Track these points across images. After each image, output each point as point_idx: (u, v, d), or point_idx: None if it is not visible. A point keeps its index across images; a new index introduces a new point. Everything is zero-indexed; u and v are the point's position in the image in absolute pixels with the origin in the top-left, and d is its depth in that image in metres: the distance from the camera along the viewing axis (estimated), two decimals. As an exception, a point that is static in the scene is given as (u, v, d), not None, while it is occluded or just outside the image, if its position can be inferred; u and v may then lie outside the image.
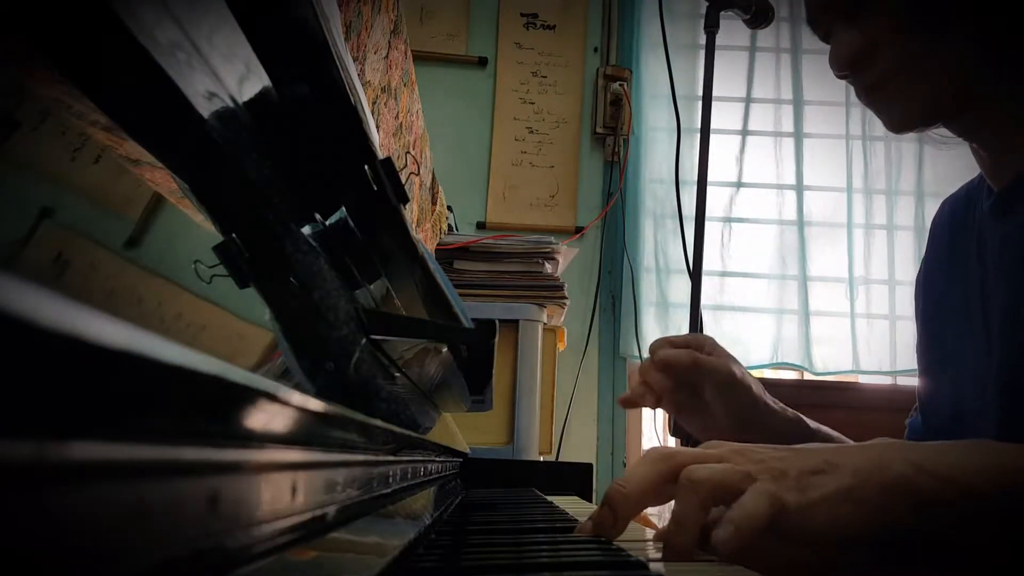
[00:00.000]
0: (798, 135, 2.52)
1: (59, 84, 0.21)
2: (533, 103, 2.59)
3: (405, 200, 0.48)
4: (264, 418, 0.21)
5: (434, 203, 1.50)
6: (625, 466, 2.42)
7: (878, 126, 2.52)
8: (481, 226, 2.50)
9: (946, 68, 0.65)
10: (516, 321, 1.62)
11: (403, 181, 0.56)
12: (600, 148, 2.59)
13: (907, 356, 2.41)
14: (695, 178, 1.70)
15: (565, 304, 1.72)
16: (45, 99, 0.20)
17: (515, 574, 0.41)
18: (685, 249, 1.75)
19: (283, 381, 0.26)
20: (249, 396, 0.19)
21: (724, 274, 2.48)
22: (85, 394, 0.12)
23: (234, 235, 0.28)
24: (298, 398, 0.23)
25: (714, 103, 1.71)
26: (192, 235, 0.28)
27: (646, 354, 2.58)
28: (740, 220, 2.52)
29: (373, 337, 0.48)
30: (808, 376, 2.45)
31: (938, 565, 0.44)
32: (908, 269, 2.46)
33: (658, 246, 2.46)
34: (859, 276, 2.47)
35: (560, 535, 0.54)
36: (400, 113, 1.17)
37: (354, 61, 0.80)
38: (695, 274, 1.65)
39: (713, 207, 2.43)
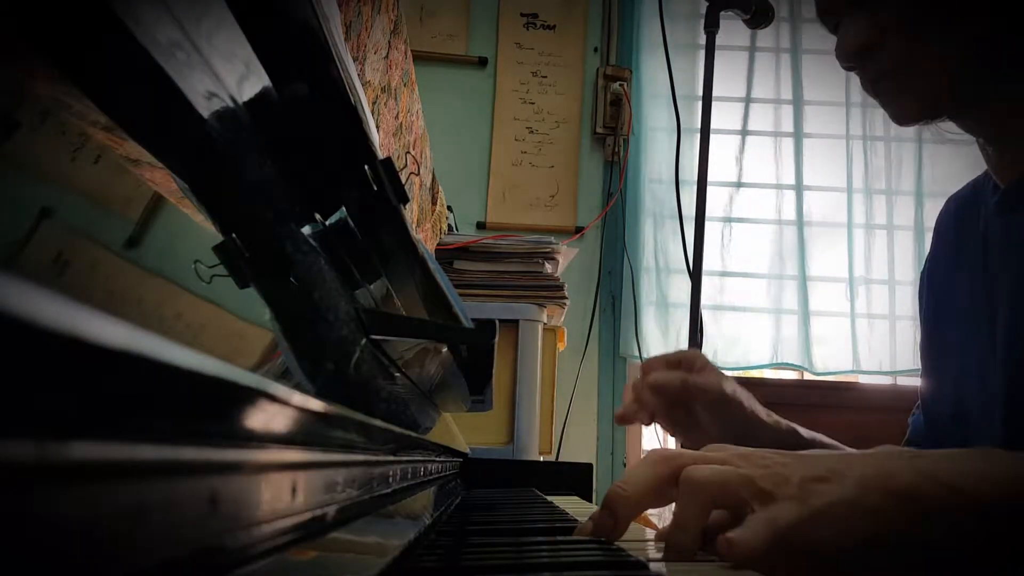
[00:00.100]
0: (798, 135, 2.52)
1: (59, 84, 0.21)
2: (533, 103, 2.59)
3: (405, 200, 0.48)
4: (264, 418, 0.21)
5: (434, 203, 1.50)
6: (625, 466, 2.42)
7: (878, 126, 2.53)
8: (481, 226, 2.50)
9: (951, 63, 0.65)
10: (516, 321, 1.62)
11: (403, 181, 0.56)
12: (600, 148, 2.59)
13: (907, 356, 2.41)
14: (695, 178, 1.70)
15: (565, 304, 1.72)
16: (45, 99, 0.20)
17: (515, 574, 0.41)
18: (685, 249, 1.75)
19: (283, 381, 0.26)
20: (249, 396, 0.19)
21: (724, 274, 2.48)
22: (85, 394, 0.12)
23: (234, 235, 0.28)
24: (298, 398, 0.23)
25: (714, 103, 1.71)
26: (192, 235, 0.28)
27: (646, 354, 2.58)
28: (740, 220, 2.52)
29: (373, 337, 0.48)
30: (808, 376, 2.45)
31: (943, 574, 0.44)
32: (908, 269, 2.46)
33: (658, 246, 2.47)
34: (859, 276, 2.47)
35: (560, 535, 0.54)
36: (400, 113, 1.17)
37: (354, 61, 0.80)
38: (695, 274, 1.65)
39: (713, 207, 2.43)
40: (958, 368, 0.75)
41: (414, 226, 1.26)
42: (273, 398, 0.21)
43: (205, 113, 0.29)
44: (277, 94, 0.37)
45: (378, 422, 0.38)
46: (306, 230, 0.41)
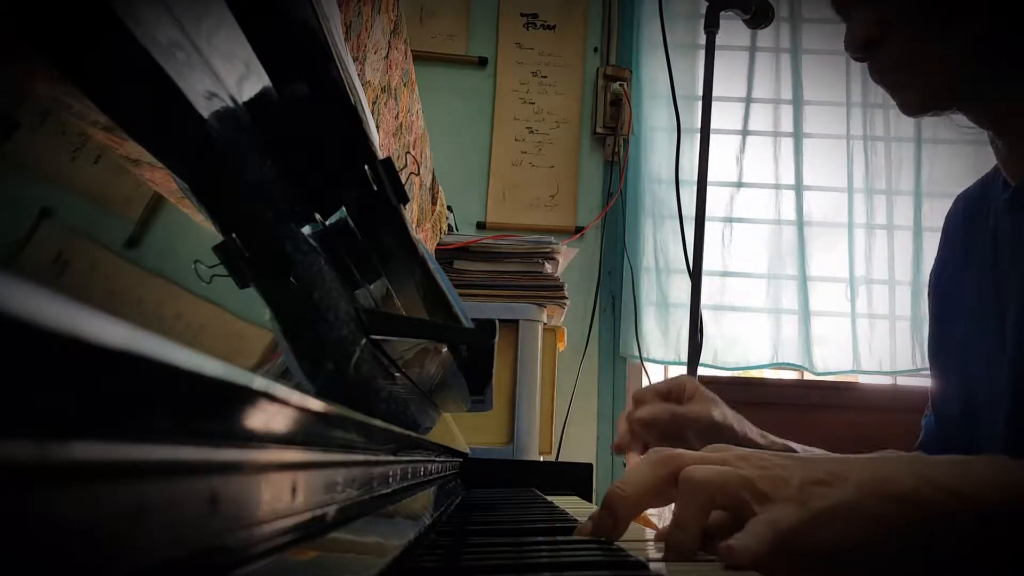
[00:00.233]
0: (798, 135, 2.52)
1: (59, 84, 0.21)
2: (533, 103, 2.59)
3: (405, 200, 0.48)
4: (264, 418, 0.21)
5: (434, 203, 1.50)
6: (625, 466, 2.42)
7: (878, 126, 2.53)
8: (481, 226, 2.50)
9: (950, 62, 0.65)
10: (516, 321, 1.62)
11: (403, 181, 0.56)
12: (600, 148, 2.59)
13: (907, 356, 2.41)
14: (695, 178, 1.70)
15: (565, 304, 1.72)
16: (45, 99, 0.20)
17: (515, 574, 0.41)
18: (685, 249, 1.75)
19: (283, 381, 0.26)
20: (249, 396, 0.19)
21: (724, 274, 2.48)
22: (85, 394, 0.12)
23: (234, 235, 0.28)
24: (298, 398, 0.23)
25: (714, 103, 1.71)
26: (192, 235, 0.28)
27: (646, 354, 2.57)
28: (740, 220, 2.52)
29: (373, 337, 0.48)
30: (808, 376, 2.45)
31: None
32: (908, 269, 2.46)
33: (658, 246, 2.46)
34: (859, 276, 2.47)
35: (560, 535, 0.54)
36: (400, 113, 1.17)
37: (354, 61, 0.80)
38: (695, 274, 1.65)
39: (713, 207, 2.43)
40: (966, 366, 0.75)
41: (414, 226, 1.26)
42: (273, 398, 0.21)
43: (205, 113, 0.29)
44: (277, 94, 0.37)
45: (378, 422, 0.38)
46: (306, 230, 0.41)
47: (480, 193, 2.54)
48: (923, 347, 2.41)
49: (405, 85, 1.19)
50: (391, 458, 0.44)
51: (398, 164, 1.12)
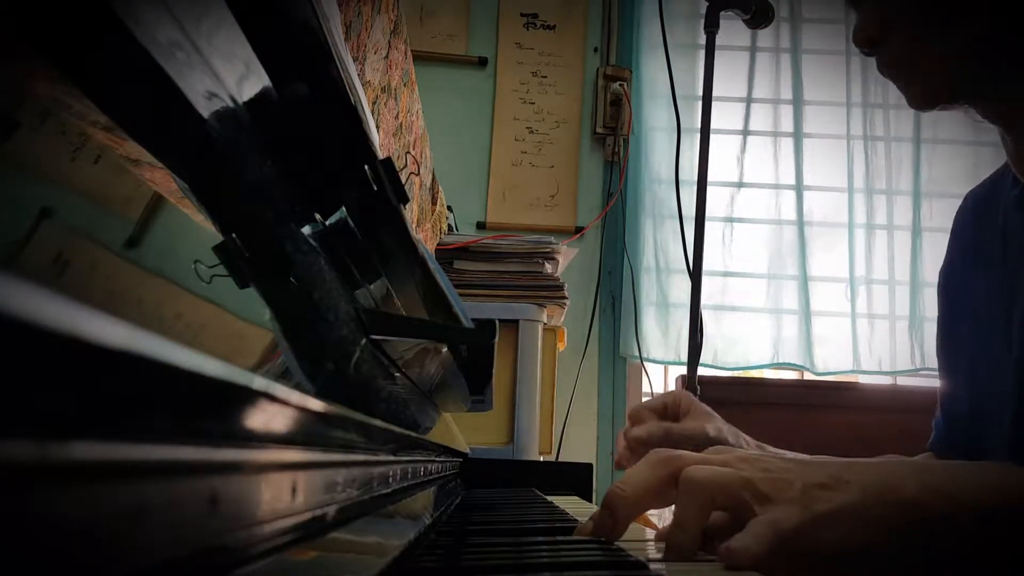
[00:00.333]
0: (798, 135, 2.52)
1: (59, 84, 0.21)
2: (533, 103, 2.59)
3: (405, 200, 0.48)
4: (264, 418, 0.21)
5: (434, 203, 1.50)
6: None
7: (878, 126, 2.53)
8: (481, 226, 2.50)
9: (950, 62, 0.65)
10: (516, 321, 1.62)
11: (403, 181, 0.56)
12: (600, 148, 2.59)
13: (907, 356, 2.41)
14: (695, 178, 1.70)
15: (565, 304, 1.72)
16: (45, 99, 0.20)
17: (516, 574, 0.41)
18: (685, 249, 1.75)
19: (283, 381, 0.26)
20: (249, 396, 0.19)
21: (725, 274, 2.48)
22: (85, 394, 0.12)
23: (234, 235, 0.28)
24: (298, 398, 0.23)
25: (714, 103, 1.71)
26: (192, 235, 0.28)
27: (646, 354, 2.57)
28: (741, 220, 2.52)
29: (373, 337, 0.48)
30: (808, 376, 2.45)
31: None
32: (908, 269, 2.46)
33: (658, 246, 2.47)
34: (859, 276, 2.47)
35: (560, 535, 0.54)
36: (400, 113, 1.17)
37: (354, 61, 0.80)
38: (695, 274, 1.65)
39: (714, 207, 2.43)
40: (974, 365, 0.75)
41: (414, 226, 1.26)
42: (273, 398, 0.21)
43: (205, 113, 0.29)
44: (277, 94, 0.37)
45: (378, 422, 0.38)
46: (306, 230, 0.41)
47: (480, 193, 2.54)
48: (923, 347, 2.41)
49: (405, 85, 1.19)
50: (391, 458, 0.44)
51: (398, 164, 1.12)
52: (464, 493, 1.05)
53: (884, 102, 2.53)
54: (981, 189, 0.81)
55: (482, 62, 2.60)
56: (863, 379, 2.45)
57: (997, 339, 0.70)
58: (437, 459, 0.77)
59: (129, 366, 0.13)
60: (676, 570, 0.42)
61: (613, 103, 2.55)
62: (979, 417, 0.73)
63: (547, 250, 1.70)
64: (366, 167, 0.46)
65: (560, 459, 2.11)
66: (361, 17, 0.92)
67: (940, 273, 0.85)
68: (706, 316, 1.91)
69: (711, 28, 1.70)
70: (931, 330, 2.53)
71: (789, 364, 2.44)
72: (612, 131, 2.55)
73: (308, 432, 0.25)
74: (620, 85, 2.53)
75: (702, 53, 1.95)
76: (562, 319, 1.82)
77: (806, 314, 2.44)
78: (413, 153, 1.25)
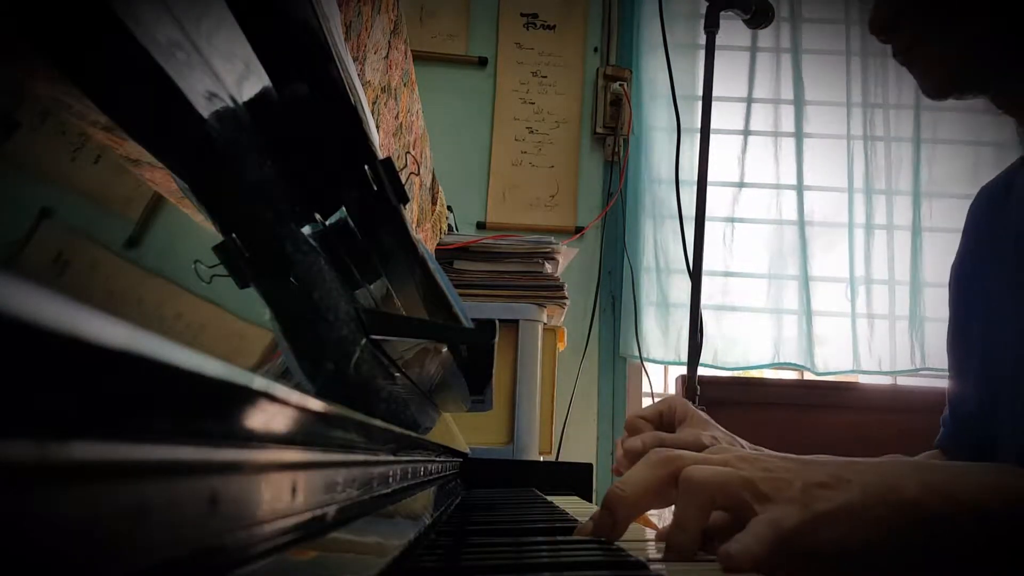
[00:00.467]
0: (799, 135, 2.52)
1: (59, 84, 0.21)
2: (533, 103, 2.59)
3: (405, 200, 0.48)
4: (264, 418, 0.21)
5: (434, 203, 1.50)
6: (625, 466, 2.42)
7: (879, 126, 2.53)
8: (481, 226, 2.50)
9: (949, 62, 0.65)
10: (516, 321, 1.62)
11: (403, 181, 0.56)
12: (600, 148, 2.59)
13: (906, 356, 2.41)
14: (695, 178, 1.70)
15: (565, 304, 1.72)
16: (45, 99, 0.20)
17: (516, 574, 0.41)
18: (685, 249, 1.75)
19: (283, 381, 0.26)
20: (249, 396, 0.19)
21: (726, 274, 2.49)
22: (85, 394, 0.12)
23: (234, 235, 0.28)
24: (298, 398, 0.23)
25: (715, 103, 1.71)
26: (192, 235, 0.28)
27: (646, 354, 2.56)
28: (741, 220, 2.52)
29: (373, 337, 0.48)
30: (808, 376, 2.45)
31: None
32: (908, 269, 2.46)
33: (658, 246, 2.47)
34: (859, 276, 2.47)
35: (560, 535, 0.54)
36: (400, 113, 1.17)
37: (354, 61, 0.80)
38: (695, 274, 1.65)
39: (715, 207, 2.43)
40: (986, 364, 0.75)
41: (414, 226, 1.26)
42: (273, 398, 0.21)
43: (205, 113, 0.29)
44: (277, 94, 0.37)
45: (378, 422, 0.38)
46: (306, 230, 0.41)
47: (480, 193, 2.54)
48: (923, 347, 2.41)
49: (405, 85, 1.19)
50: (391, 458, 0.44)
51: (398, 164, 1.12)
52: (464, 493, 1.05)
53: (884, 102, 2.53)
54: (994, 184, 0.80)
55: (482, 62, 2.60)
56: (863, 379, 2.45)
57: (1010, 335, 0.70)
58: (437, 459, 0.77)
59: (129, 366, 0.13)
60: (676, 570, 0.42)
61: (613, 103, 2.55)
62: (990, 416, 0.72)
63: (547, 250, 1.70)
64: (366, 167, 0.46)
65: (560, 459, 2.11)
66: (361, 17, 0.92)
67: (952, 268, 0.84)
68: (706, 316, 1.92)
69: (711, 28, 1.70)
70: (931, 330, 2.53)
71: (789, 364, 2.44)
72: (612, 131, 2.55)
73: (308, 432, 0.25)
74: (620, 85, 2.53)
75: (702, 53, 1.95)
76: (562, 319, 1.82)
77: (807, 314, 2.44)
78: (413, 153, 1.25)
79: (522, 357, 1.60)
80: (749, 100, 2.55)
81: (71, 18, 0.20)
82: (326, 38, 0.39)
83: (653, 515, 1.02)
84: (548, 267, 1.70)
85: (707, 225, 1.69)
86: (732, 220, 2.51)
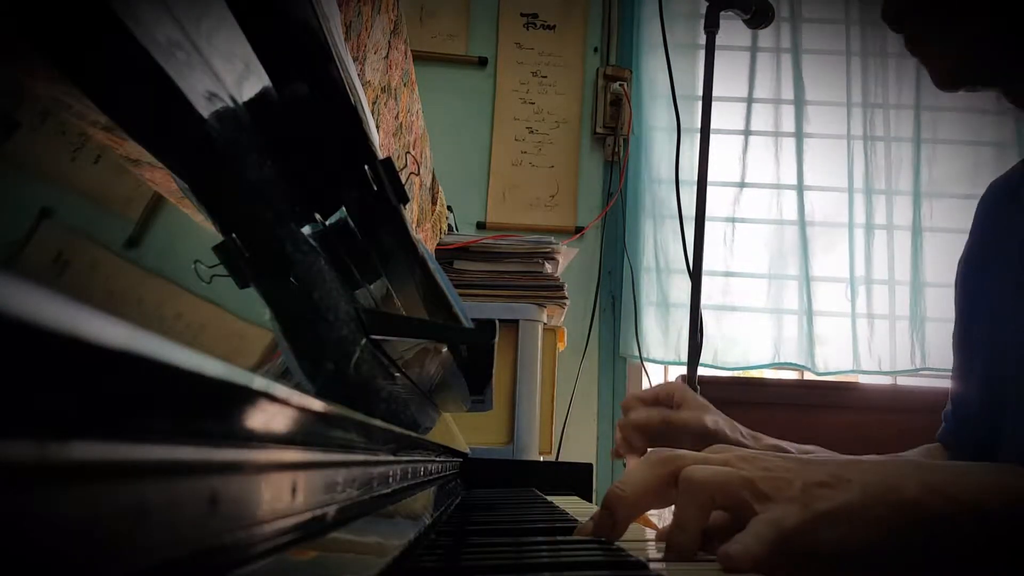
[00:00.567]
0: (799, 135, 2.52)
1: (59, 84, 0.21)
2: (533, 103, 2.59)
3: (405, 200, 0.48)
4: (264, 418, 0.21)
5: (434, 203, 1.50)
6: (625, 467, 2.42)
7: (879, 126, 2.53)
8: (481, 226, 2.50)
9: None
10: (516, 321, 1.62)
11: (403, 181, 0.56)
12: (600, 148, 2.59)
13: (906, 356, 2.41)
14: (695, 178, 1.70)
15: (565, 304, 1.72)
16: (45, 99, 0.20)
17: (516, 574, 0.41)
18: (685, 249, 1.75)
19: (283, 381, 0.26)
20: (249, 396, 0.19)
21: (727, 274, 2.49)
22: (85, 394, 0.12)
23: (234, 235, 0.28)
24: (298, 398, 0.23)
25: (715, 103, 1.71)
26: (192, 235, 0.28)
27: (647, 354, 2.56)
28: (742, 220, 2.52)
29: (373, 337, 0.48)
30: (808, 376, 2.45)
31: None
32: (908, 269, 2.46)
33: (658, 246, 2.47)
34: (860, 276, 2.47)
35: (560, 535, 0.54)
36: (400, 113, 1.17)
37: (354, 61, 0.80)
38: (695, 274, 1.65)
39: (716, 207, 2.43)
40: (992, 359, 0.74)
41: (414, 226, 1.26)
42: (273, 398, 0.21)
43: (205, 113, 0.29)
44: (277, 94, 0.37)
45: (378, 422, 0.38)
46: (306, 230, 0.41)
47: (480, 193, 2.54)
48: (923, 347, 2.41)
49: (405, 85, 1.19)
50: (391, 458, 0.44)
51: (398, 164, 1.12)
52: (464, 493, 1.05)
53: (884, 102, 2.53)
54: (1003, 180, 0.80)
55: (482, 62, 2.60)
56: (863, 379, 2.45)
57: (1015, 336, 0.70)
58: (437, 459, 0.77)
59: (129, 366, 0.13)
60: (676, 570, 0.42)
61: (613, 103, 2.55)
62: (993, 414, 0.72)
63: (547, 250, 1.70)
64: (366, 167, 0.46)
65: (560, 459, 2.11)
66: (361, 17, 0.92)
67: (958, 265, 0.83)
68: (706, 316, 1.92)
69: (711, 28, 1.70)
70: (931, 330, 2.53)
71: (789, 364, 2.44)
72: (612, 131, 2.55)
73: (308, 432, 0.25)
74: (620, 85, 2.53)
75: (702, 53, 1.95)
76: (562, 319, 1.82)
77: (808, 314, 2.44)
78: (413, 153, 1.25)
79: (522, 357, 1.60)
80: (749, 100, 2.55)
81: (71, 18, 0.20)
82: (326, 38, 0.39)
83: (653, 515, 1.02)
84: (548, 267, 1.70)
85: (707, 225, 1.69)
86: (732, 220, 2.51)
